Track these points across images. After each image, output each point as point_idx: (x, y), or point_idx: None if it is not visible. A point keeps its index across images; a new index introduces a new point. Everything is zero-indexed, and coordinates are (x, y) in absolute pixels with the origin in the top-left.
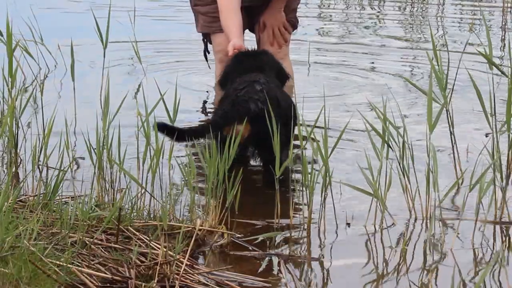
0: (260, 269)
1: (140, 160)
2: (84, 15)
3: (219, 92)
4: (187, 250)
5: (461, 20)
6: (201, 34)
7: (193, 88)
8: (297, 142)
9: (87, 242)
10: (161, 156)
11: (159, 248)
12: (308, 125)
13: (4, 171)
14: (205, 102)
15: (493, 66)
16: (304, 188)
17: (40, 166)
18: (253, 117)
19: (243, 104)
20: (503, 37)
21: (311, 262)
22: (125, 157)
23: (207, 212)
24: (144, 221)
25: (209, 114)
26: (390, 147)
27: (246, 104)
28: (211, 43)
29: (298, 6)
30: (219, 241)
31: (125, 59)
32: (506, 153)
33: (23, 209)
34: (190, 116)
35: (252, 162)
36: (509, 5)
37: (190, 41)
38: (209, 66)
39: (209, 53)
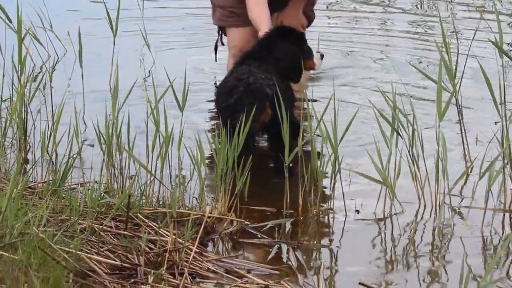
0: (269, 257)
1: (149, 147)
2: (94, 3)
3: None
4: (196, 237)
5: (472, 3)
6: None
7: (204, 71)
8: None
9: (96, 229)
10: (170, 143)
11: (168, 235)
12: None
13: (14, 157)
14: (215, 84)
15: (503, 55)
16: (313, 175)
17: (49, 153)
18: (272, 102)
19: (261, 89)
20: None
21: (320, 249)
22: (134, 144)
23: (216, 200)
24: (153, 208)
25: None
26: (400, 135)
27: (262, 89)
28: (225, 35)
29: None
30: (228, 229)
31: (135, 46)
32: None
33: (32, 195)
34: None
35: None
36: None
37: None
38: (215, 59)
39: (223, 44)
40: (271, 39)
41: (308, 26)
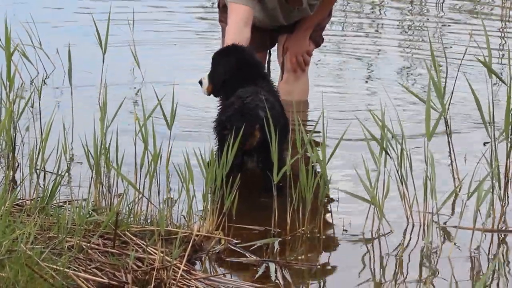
0: (257, 275)
1: (137, 165)
2: (84, 21)
3: None
4: (184, 255)
5: (459, 21)
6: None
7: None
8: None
9: (84, 246)
10: (158, 161)
11: (156, 253)
12: (308, 131)
13: (1, 174)
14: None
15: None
16: (301, 195)
17: (38, 170)
18: (262, 124)
19: (252, 112)
20: (501, 46)
21: (308, 269)
22: (123, 162)
23: (204, 218)
24: (141, 226)
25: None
26: (389, 155)
27: (255, 112)
28: None
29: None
30: (216, 247)
31: (124, 64)
32: (504, 162)
33: (20, 213)
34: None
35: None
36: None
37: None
38: None
39: None
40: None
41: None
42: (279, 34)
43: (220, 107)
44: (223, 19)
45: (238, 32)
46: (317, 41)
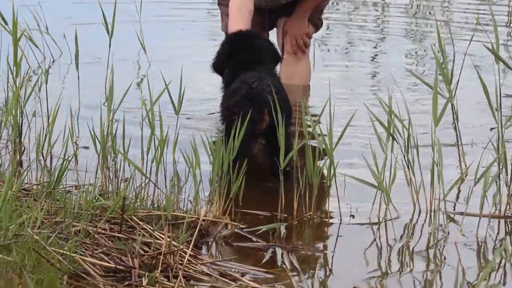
0: (264, 260)
1: (144, 150)
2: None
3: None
4: (191, 240)
5: (467, 10)
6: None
7: (199, 75)
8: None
9: (91, 231)
10: (165, 146)
11: (162, 238)
12: (314, 115)
13: (8, 159)
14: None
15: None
16: (308, 180)
17: (44, 155)
18: (270, 108)
19: (261, 96)
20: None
21: (315, 254)
22: (129, 147)
23: (211, 203)
24: (148, 210)
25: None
26: (395, 140)
27: (263, 96)
28: None
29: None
30: (222, 232)
31: (131, 49)
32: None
33: (26, 197)
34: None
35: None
36: None
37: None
38: None
39: None
40: (256, 43)
41: (315, 32)
42: (278, 17)
43: (224, 92)
44: (222, 2)
45: (244, 2)
46: (316, 24)
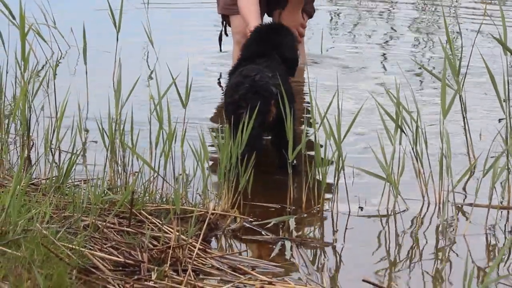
0: (273, 254)
1: (152, 143)
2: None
3: None
4: (200, 234)
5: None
6: (220, 16)
7: (207, 68)
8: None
9: (100, 225)
10: (173, 140)
11: (171, 232)
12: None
13: (17, 154)
14: (219, 81)
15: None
16: (317, 173)
17: (53, 150)
18: (276, 100)
19: (266, 88)
20: None
21: (324, 247)
22: (138, 141)
23: (220, 196)
24: (156, 204)
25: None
26: (404, 132)
27: (268, 88)
28: (230, 26)
29: None
30: (231, 225)
31: (138, 43)
32: None
33: (35, 192)
34: (205, 95)
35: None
36: None
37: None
38: (220, 49)
39: (227, 35)
40: (270, 35)
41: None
42: (273, 10)
43: (226, 88)
44: None
45: None
46: (310, 12)
